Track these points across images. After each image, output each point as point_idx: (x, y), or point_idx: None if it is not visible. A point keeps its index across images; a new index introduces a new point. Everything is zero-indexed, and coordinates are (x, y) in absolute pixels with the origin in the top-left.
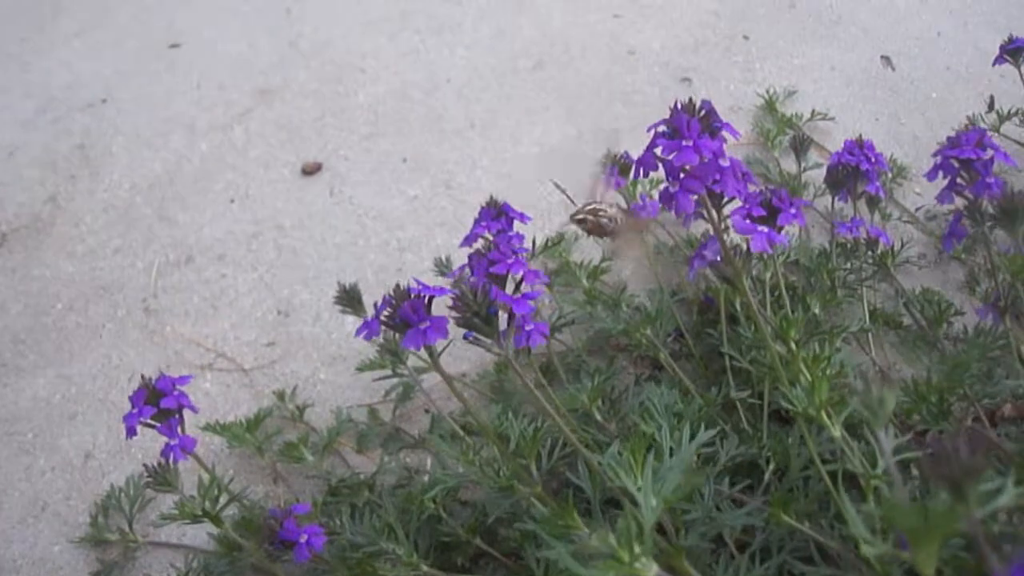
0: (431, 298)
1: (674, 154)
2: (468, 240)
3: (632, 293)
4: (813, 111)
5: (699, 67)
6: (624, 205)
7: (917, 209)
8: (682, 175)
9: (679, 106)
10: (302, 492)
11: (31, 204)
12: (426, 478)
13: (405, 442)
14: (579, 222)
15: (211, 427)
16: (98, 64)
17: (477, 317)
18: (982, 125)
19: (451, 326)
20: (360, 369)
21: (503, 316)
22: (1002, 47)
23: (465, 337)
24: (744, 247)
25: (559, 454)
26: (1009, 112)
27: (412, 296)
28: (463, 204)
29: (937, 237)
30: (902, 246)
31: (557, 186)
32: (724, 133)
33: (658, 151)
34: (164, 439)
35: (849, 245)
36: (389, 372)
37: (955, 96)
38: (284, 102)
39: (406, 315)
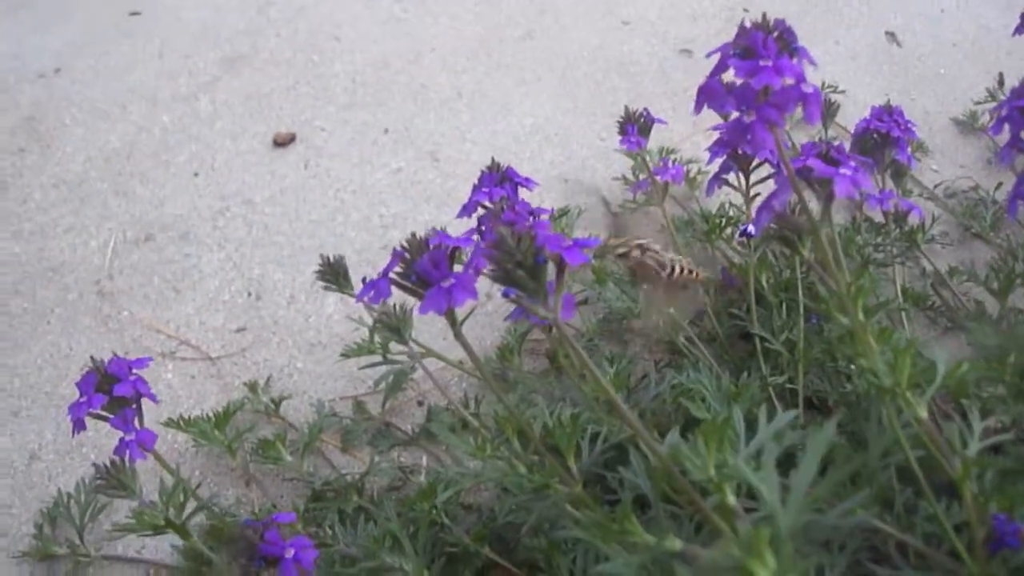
0: (455, 250)
1: (752, 76)
2: (467, 209)
3: None
4: (823, 83)
5: (698, 38)
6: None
7: (936, 186)
8: (757, 103)
9: (750, 24)
10: (280, 497)
11: None
12: (423, 478)
13: (397, 439)
14: (620, 256)
15: (174, 423)
16: (49, 35)
17: (521, 268)
18: (1001, 98)
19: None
20: (345, 355)
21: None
22: (1023, 15)
23: (505, 295)
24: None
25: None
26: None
27: (432, 247)
28: (452, 177)
29: (959, 215)
30: (933, 221)
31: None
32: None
33: (724, 77)
34: (119, 434)
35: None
36: (379, 358)
37: (963, 72)
38: (254, 70)
39: (425, 270)
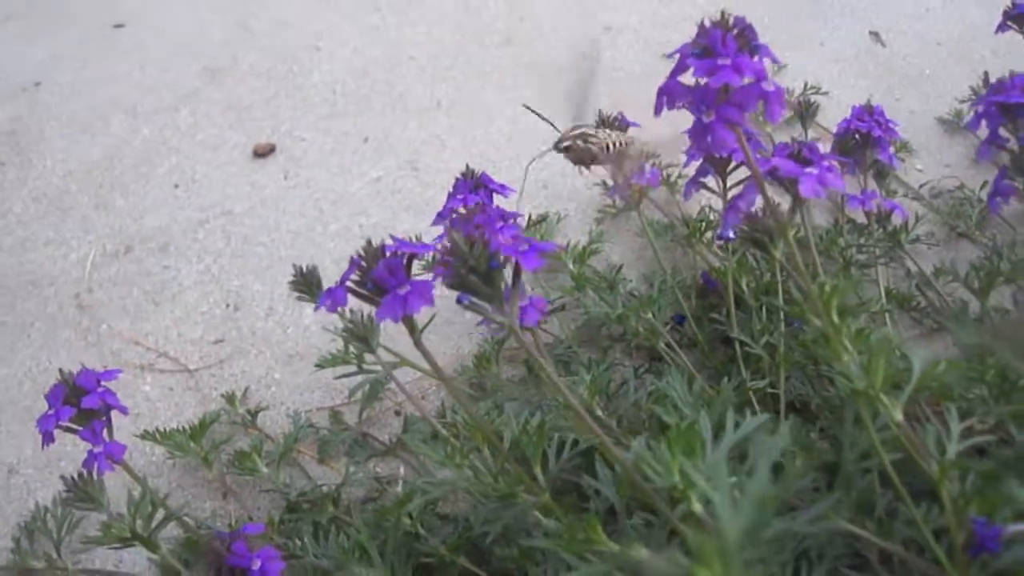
0: (411, 256)
1: (710, 75)
2: (442, 215)
3: (624, 277)
4: (806, 84)
5: (681, 43)
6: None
7: (921, 186)
8: (717, 102)
9: (709, 23)
10: (256, 509)
11: None
12: (399, 489)
13: (374, 449)
14: (565, 150)
15: (150, 435)
16: (33, 48)
17: (474, 274)
18: None
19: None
20: (320, 365)
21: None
22: (1005, 13)
23: (459, 301)
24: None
25: (569, 453)
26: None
27: (387, 254)
28: (431, 186)
29: (944, 215)
30: (916, 221)
31: (531, 110)
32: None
33: (684, 77)
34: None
35: (855, 222)
36: (354, 368)
37: (948, 72)
38: (234, 82)
39: (381, 278)
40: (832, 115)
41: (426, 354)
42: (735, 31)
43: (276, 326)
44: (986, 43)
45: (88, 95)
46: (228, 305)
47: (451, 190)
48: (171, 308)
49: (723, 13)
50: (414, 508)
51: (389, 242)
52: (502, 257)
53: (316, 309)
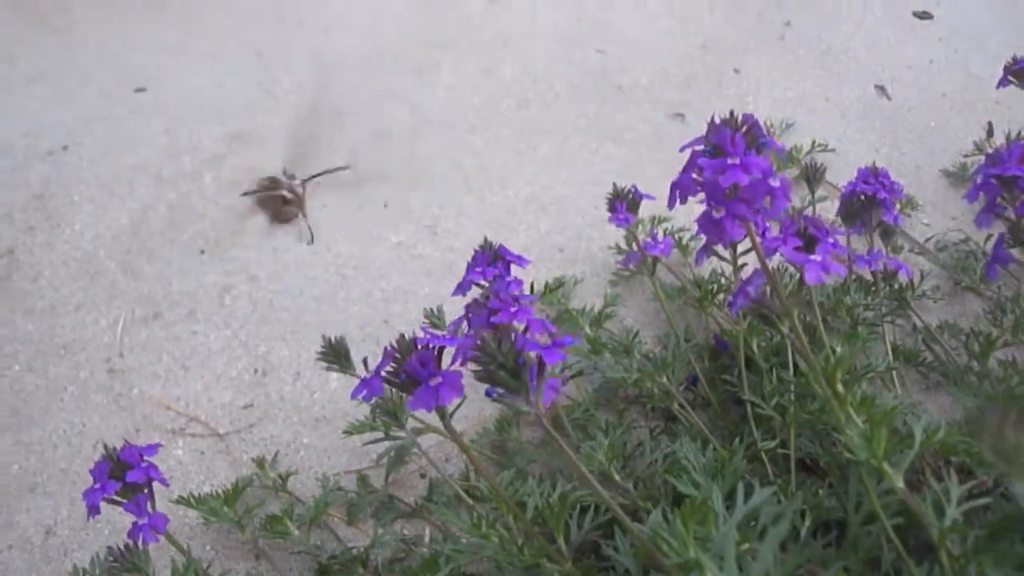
0: (441, 349)
1: (720, 174)
2: (462, 288)
3: (639, 340)
4: (814, 142)
5: (691, 102)
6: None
7: (927, 240)
8: (727, 198)
9: (719, 120)
10: (289, 570)
11: None
12: (424, 550)
13: (400, 511)
14: (257, 198)
15: (184, 500)
16: (59, 110)
17: (503, 369)
18: (988, 151)
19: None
20: (349, 432)
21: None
22: (1006, 68)
23: (488, 394)
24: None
25: (589, 524)
26: (1009, 136)
27: (419, 347)
28: (451, 250)
29: (950, 268)
30: (922, 278)
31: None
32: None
33: (695, 174)
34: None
35: (863, 280)
36: (382, 435)
37: (953, 124)
38: (258, 148)
39: (414, 370)
40: (840, 171)
41: (455, 436)
42: (744, 128)
43: (304, 390)
44: (990, 94)
45: (114, 158)
46: (256, 370)
47: (470, 261)
48: (201, 373)
49: (732, 113)
50: (442, 573)
51: (420, 334)
52: (529, 354)
53: (353, 398)
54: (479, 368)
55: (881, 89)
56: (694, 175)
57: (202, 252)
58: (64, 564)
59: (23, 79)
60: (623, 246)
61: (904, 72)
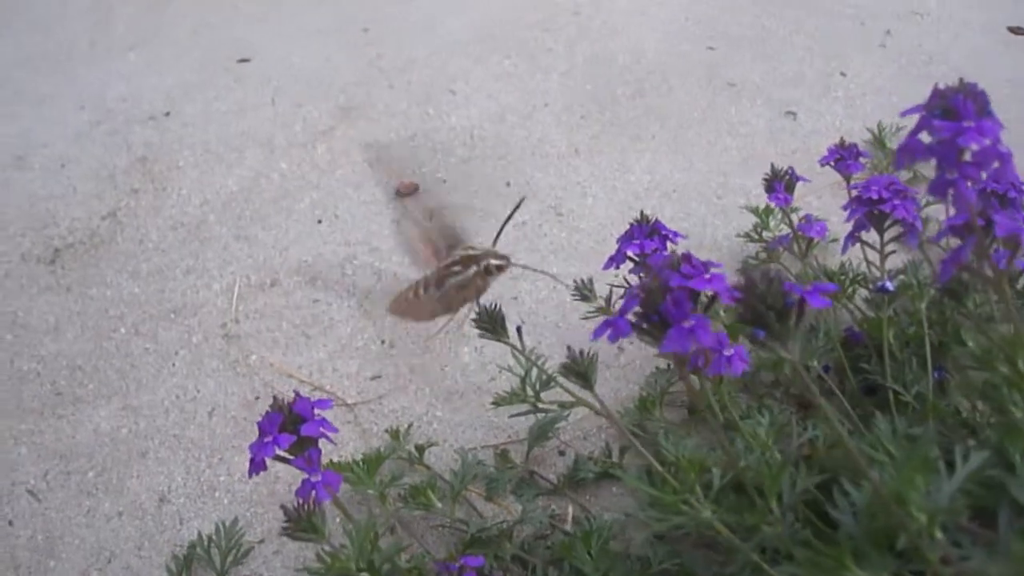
0: (696, 291)
1: (958, 136)
2: (615, 260)
3: None
4: None
5: (801, 101)
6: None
7: None
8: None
9: (946, 87)
10: (429, 543)
11: (87, 219)
12: (567, 527)
13: (541, 487)
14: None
15: (333, 464)
16: (157, 77)
17: (772, 311)
18: None
19: None
20: (496, 403)
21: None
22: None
23: (754, 336)
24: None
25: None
26: None
27: (673, 287)
28: (576, 231)
29: None
30: None
31: None
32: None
33: (923, 136)
34: (252, 481)
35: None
36: (527, 407)
37: None
38: (369, 121)
39: (668, 311)
40: None
41: (690, 385)
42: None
43: (434, 363)
44: None
45: (220, 126)
46: (383, 341)
47: (624, 234)
48: (324, 342)
49: (961, 80)
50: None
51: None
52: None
53: (594, 338)
54: (745, 309)
55: None
56: (920, 138)
57: (319, 222)
58: (181, 532)
59: (120, 47)
60: (753, 235)
61: (1003, 85)
